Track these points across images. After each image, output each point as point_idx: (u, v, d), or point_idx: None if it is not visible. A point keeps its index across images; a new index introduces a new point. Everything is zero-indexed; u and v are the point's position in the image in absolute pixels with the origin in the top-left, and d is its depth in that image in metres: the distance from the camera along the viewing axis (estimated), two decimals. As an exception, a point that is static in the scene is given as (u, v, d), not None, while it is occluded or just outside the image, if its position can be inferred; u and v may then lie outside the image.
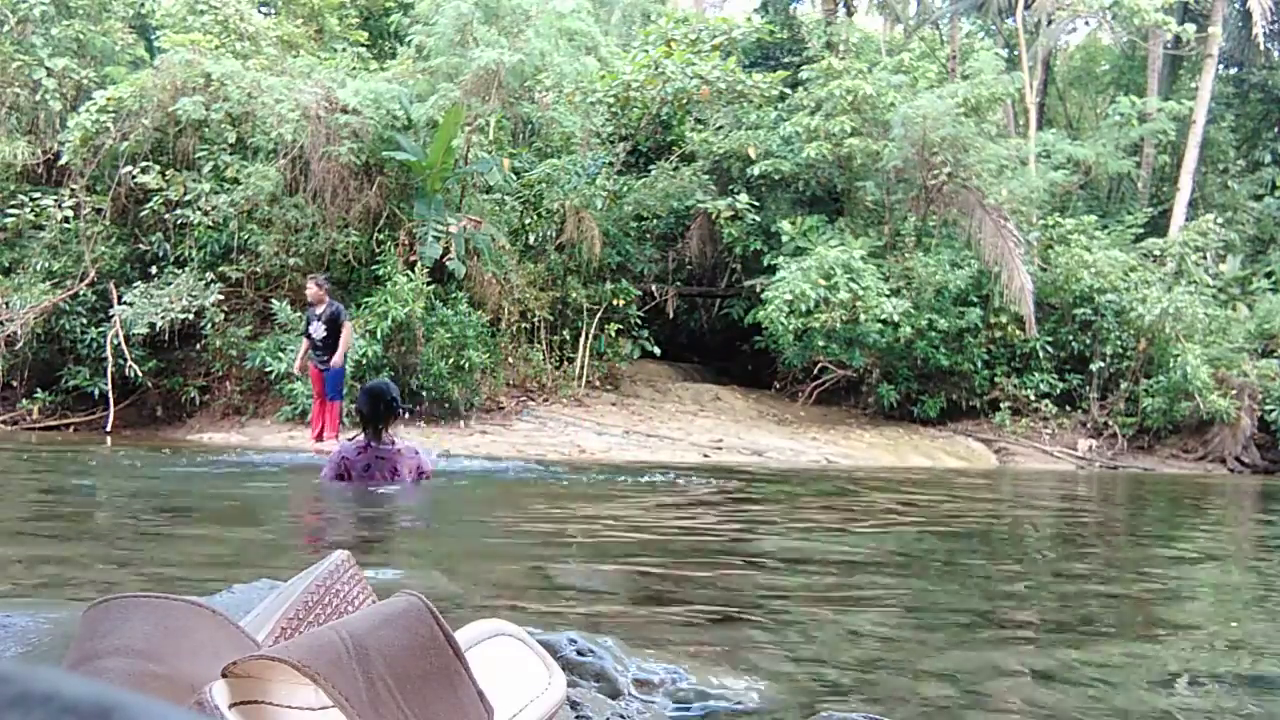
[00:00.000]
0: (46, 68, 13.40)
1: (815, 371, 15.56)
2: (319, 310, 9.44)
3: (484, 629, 0.80)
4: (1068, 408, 16.29)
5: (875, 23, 25.00)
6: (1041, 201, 17.06)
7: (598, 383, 14.88)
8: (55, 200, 12.68)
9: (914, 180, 15.71)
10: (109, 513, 4.39)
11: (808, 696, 1.49)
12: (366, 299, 12.35)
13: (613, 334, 15.15)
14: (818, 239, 15.04)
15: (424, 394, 12.50)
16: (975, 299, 15.68)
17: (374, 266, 12.83)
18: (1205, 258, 18.19)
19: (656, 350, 15.66)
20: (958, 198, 15.55)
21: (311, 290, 9.47)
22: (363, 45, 16.05)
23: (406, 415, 5.56)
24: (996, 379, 16.12)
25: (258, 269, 12.87)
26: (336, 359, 9.30)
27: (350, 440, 5.37)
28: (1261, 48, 20.82)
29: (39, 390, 12.54)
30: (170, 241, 12.90)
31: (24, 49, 13.53)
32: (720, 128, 16.57)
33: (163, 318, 11.93)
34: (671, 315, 16.76)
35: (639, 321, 15.64)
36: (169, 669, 0.61)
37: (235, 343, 12.47)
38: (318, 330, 9.41)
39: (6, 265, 12.98)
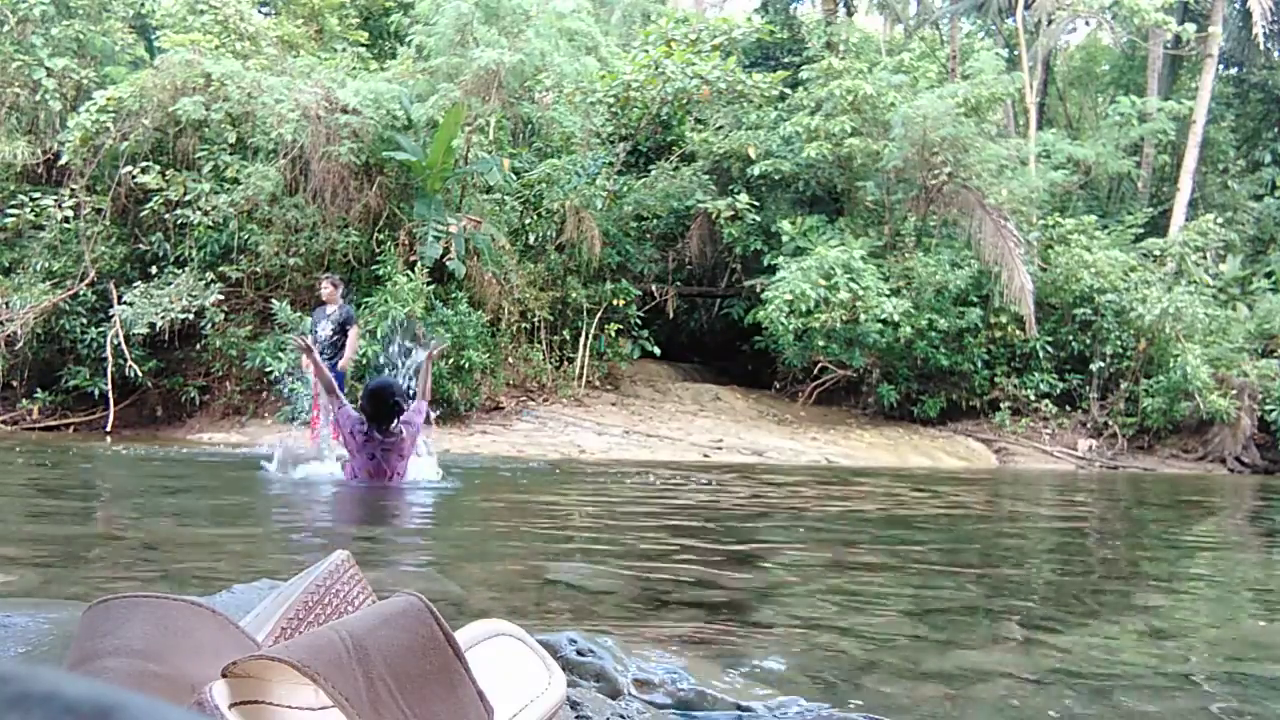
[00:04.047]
0: (46, 68, 13.40)
1: (815, 371, 15.57)
2: (329, 310, 9.43)
3: (484, 629, 0.80)
4: (1068, 408, 16.29)
5: (875, 23, 25.02)
6: (1041, 201, 17.06)
7: (598, 383, 14.88)
8: (55, 200, 12.68)
9: (914, 180, 15.71)
10: (108, 512, 4.39)
11: (808, 696, 1.48)
12: (366, 299, 12.36)
13: (613, 334, 15.15)
14: (818, 239, 15.04)
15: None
16: (975, 299, 15.68)
17: (374, 266, 12.83)
18: (1205, 258, 18.19)
19: (656, 350, 15.66)
20: (958, 198, 15.55)
21: (327, 290, 9.47)
22: (363, 45, 16.04)
23: (405, 410, 5.66)
24: (996, 379, 16.12)
25: (258, 269, 12.86)
26: (343, 363, 9.29)
27: (354, 419, 5.38)
28: (1261, 48, 20.81)
29: (39, 390, 12.54)
30: (170, 241, 12.90)
31: (24, 49, 13.52)
32: (720, 128, 16.58)
33: (163, 318, 11.93)
34: (671, 315, 16.76)
35: (639, 321, 15.64)
36: (169, 669, 0.61)
37: (235, 343, 12.47)
38: (325, 329, 9.40)
39: (6, 265, 12.98)
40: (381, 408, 5.28)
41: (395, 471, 5.37)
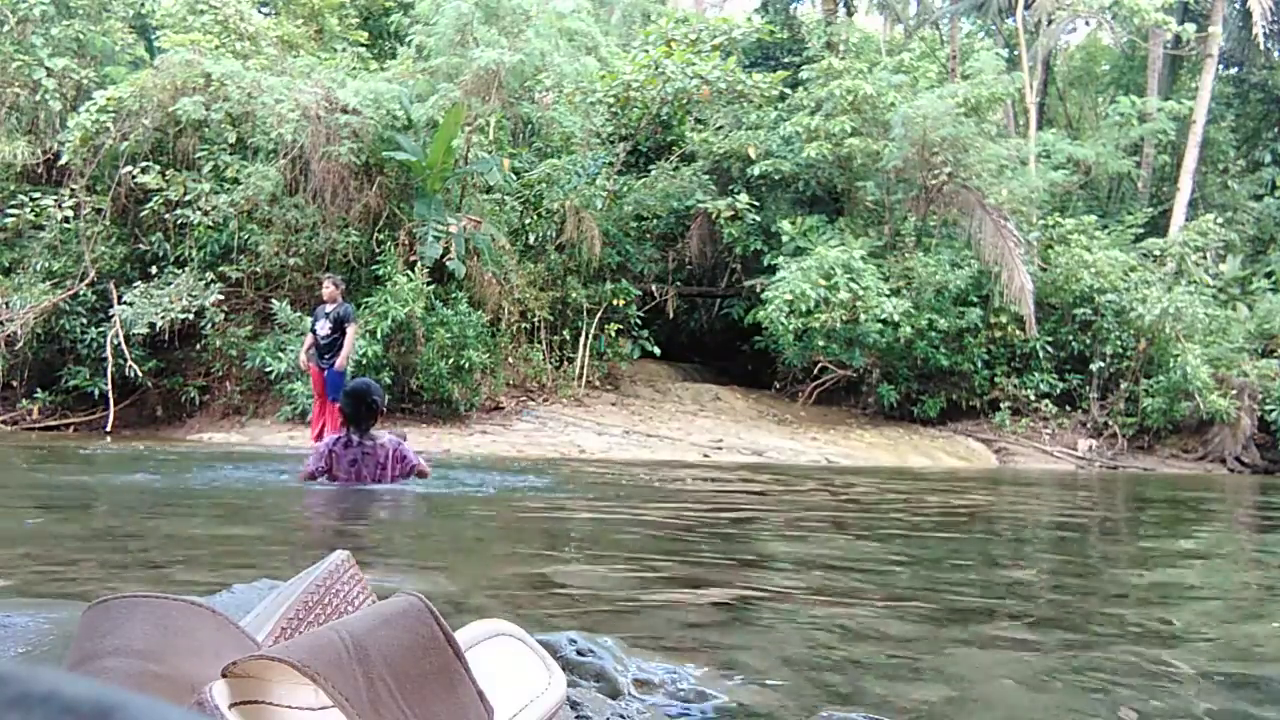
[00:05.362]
0: (46, 68, 13.40)
1: (815, 371, 15.57)
2: (328, 309, 9.45)
3: (484, 629, 0.80)
4: (1068, 408, 16.30)
5: (875, 23, 25.03)
6: (1041, 201, 17.07)
7: (598, 383, 14.88)
8: (55, 200, 12.68)
9: (914, 180, 15.71)
10: (108, 512, 4.39)
11: (808, 697, 1.49)
12: (366, 299, 12.36)
13: (613, 334, 15.15)
14: (818, 239, 15.05)
15: (424, 394, 12.50)
16: (975, 299, 15.69)
17: (374, 266, 12.83)
18: (1205, 258, 18.19)
19: (656, 350, 15.66)
20: (958, 198, 15.55)
21: (328, 289, 9.50)
22: (363, 45, 16.04)
23: (384, 412, 5.67)
24: (996, 379, 16.12)
25: (258, 269, 12.87)
26: (340, 362, 9.29)
27: (336, 437, 5.46)
28: (1261, 48, 20.82)
29: (39, 390, 12.54)
30: (170, 241, 12.90)
31: (24, 49, 13.52)
32: (720, 128, 16.58)
33: (163, 318, 11.93)
34: (671, 315, 16.75)
35: (639, 321, 15.64)
36: (169, 669, 0.61)
37: (235, 343, 12.47)
38: (323, 328, 9.41)
39: (6, 265, 12.98)
40: (360, 407, 5.29)
41: (376, 480, 5.34)
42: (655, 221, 16.67)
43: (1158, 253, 17.54)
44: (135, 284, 12.46)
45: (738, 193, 15.51)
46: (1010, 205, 15.55)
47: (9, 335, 12.07)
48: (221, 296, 12.35)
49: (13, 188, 13.14)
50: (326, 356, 9.44)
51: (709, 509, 5.53)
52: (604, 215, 15.19)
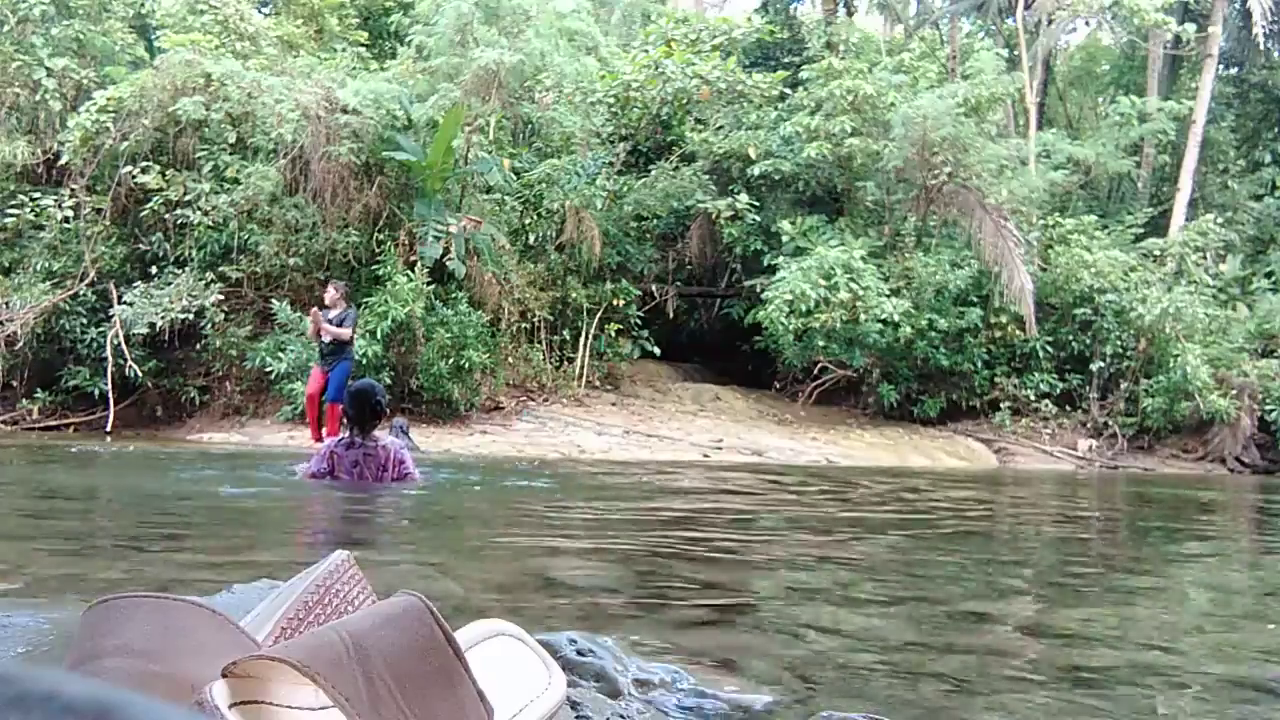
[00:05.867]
0: (46, 68, 13.40)
1: (815, 371, 15.56)
2: (332, 314, 9.53)
3: (484, 629, 0.80)
4: (1068, 408, 16.30)
5: (875, 23, 25.01)
6: (1041, 201, 17.06)
7: (598, 383, 14.88)
8: (55, 200, 12.68)
9: (914, 180, 15.71)
10: (108, 512, 4.39)
11: (808, 696, 1.49)
12: (366, 299, 12.36)
13: (613, 334, 15.15)
14: (818, 239, 15.04)
15: (424, 394, 12.50)
16: (975, 299, 15.69)
17: (374, 266, 12.83)
18: (1205, 258, 18.19)
19: (656, 350, 15.65)
20: (958, 198, 15.55)
21: (331, 294, 9.60)
22: (363, 45, 16.05)
23: (386, 413, 5.67)
24: (996, 379, 16.12)
25: (258, 269, 12.87)
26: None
27: (338, 438, 5.47)
28: (1261, 48, 20.82)
29: (39, 390, 12.54)
30: (170, 241, 12.90)
31: (24, 49, 13.52)
32: (720, 128, 16.57)
33: (163, 318, 11.93)
34: (671, 315, 16.75)
35: (639, 321, 15.64)
36: (169, 669, 0.61)
37: (235, 343, 12.48)
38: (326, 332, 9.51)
39: (6, 265, 12.98)
40: (364, 408, 5.29)
41: (378, 481, 5.32)
42: (655, 221, 16.67)
43: (1158, 253, 17.53)
44: (135, 284, 12.47)
45: (738, 193, 15.51)
46: (1010, 205, 15.55)
47: (9, 335, 12.07)
48: (221, 296, 12.36)
49: (13, 188, 13.14)
50: (328, 358, 9.54)
51: (709, 509, 5.53)
52: (604, 215, 15.18)
